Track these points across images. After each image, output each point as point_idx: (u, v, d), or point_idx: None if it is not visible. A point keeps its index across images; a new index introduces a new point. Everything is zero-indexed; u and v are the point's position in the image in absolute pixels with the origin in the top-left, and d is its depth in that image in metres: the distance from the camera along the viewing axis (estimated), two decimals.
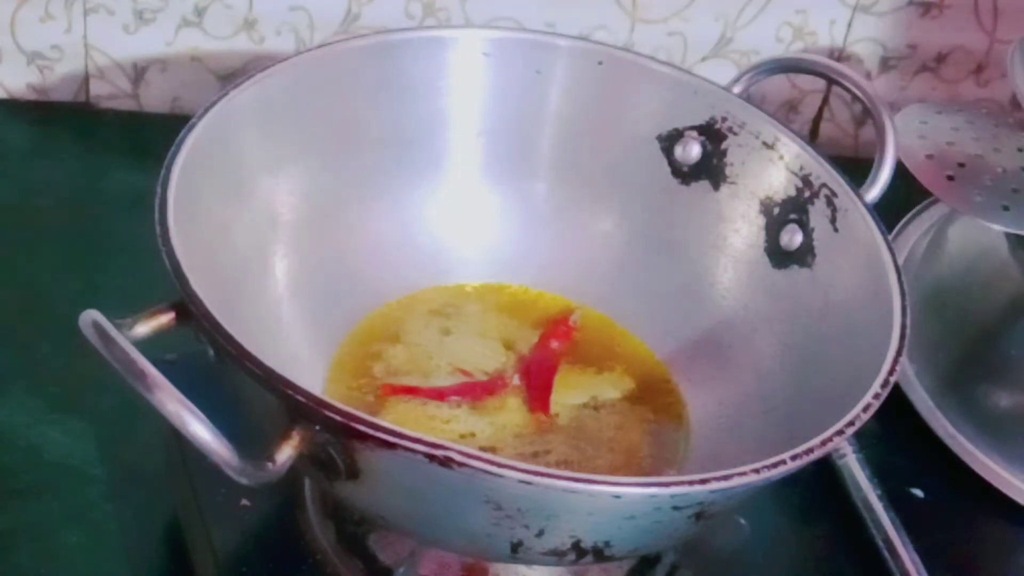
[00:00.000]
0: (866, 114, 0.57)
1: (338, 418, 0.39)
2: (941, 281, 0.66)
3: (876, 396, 0.44)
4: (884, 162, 0.56)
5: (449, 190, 0.59)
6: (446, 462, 0.39)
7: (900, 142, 0.55)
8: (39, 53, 0.74)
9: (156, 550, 0.56)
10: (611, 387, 0.56)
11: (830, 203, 0.54)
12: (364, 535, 0.51)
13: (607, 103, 0.59)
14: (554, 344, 0.57)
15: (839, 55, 0.79)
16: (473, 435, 0.53)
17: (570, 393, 0.55)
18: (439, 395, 0.54)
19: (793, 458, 0.42)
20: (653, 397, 0.56)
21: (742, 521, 0.51)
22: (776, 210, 0.56)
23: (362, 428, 0.39)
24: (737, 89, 0.58)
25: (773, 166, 0.56)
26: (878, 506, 0.58)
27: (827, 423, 0.43)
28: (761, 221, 0.56)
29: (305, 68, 0.55)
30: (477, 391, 0.54)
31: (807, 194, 0.55)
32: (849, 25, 0.79)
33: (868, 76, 0.80)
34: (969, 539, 0.60)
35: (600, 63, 0.58)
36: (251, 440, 0.40)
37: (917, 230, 0.72)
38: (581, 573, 0.51)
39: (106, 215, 0.71)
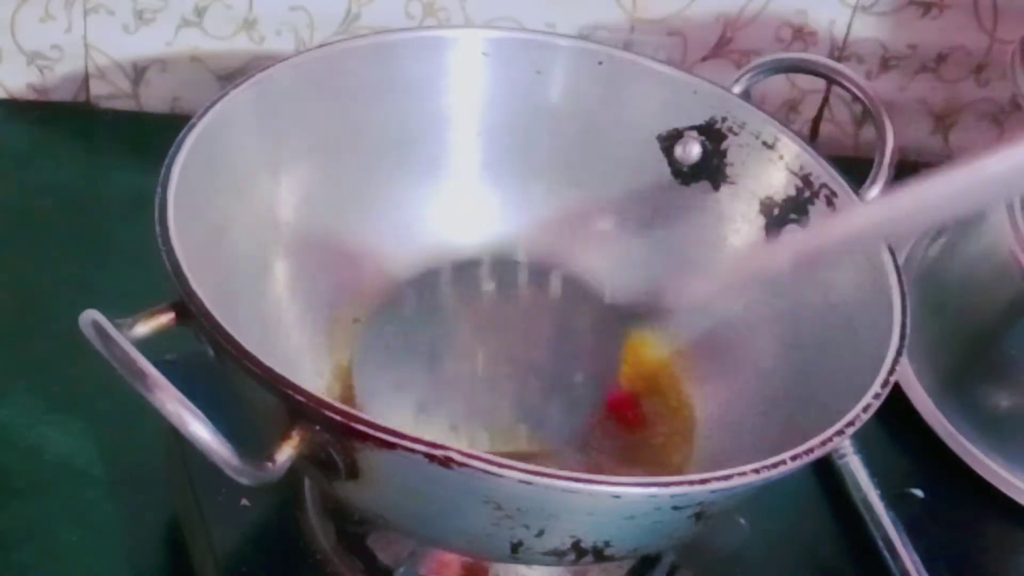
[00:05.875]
0: (866, 114, 0.57)
1: (338, 418, 0.39)
2: (941, 281, 0.65)
3: (876, 396, 0.44)
4: (884, 162, 0.56)
5: (449, 190, 0.59)
6: (446, 462, 0.39)
7: None
8: (39, 53, 0.74)
9: (156, 550, 0.56)
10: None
11: (830, 203, 0.54)
12: (364, 535, 0.51)
13: (607, 103, 0.59)
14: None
15: (839, 55, 0.79)
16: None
17: None
18: None
19: (793, 458, 0.42)
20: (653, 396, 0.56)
21: (742, 521, 0.51)
22: (776, 210, 0.56)
23: (362, 428, 0.39)
24: (737, 89, 0.58)
25: (773, 166, 0.56)
26: (878, 506, 0.58)
27: (827, 423, 0.43)
28: (761, 221, 0.56)
29: (305, 68, 0.55)
30: None
31: (807, 194, 0.55)
32: (849, 25, 0.79)
33: (868, 76, 0.80)
34: (969, 539, 0.60)
35: (600, 63, 0.58)
36: (251, 440, 0.40)
37: None
38: (581, 573, 0.51)
39: (106, 215, 0.71)
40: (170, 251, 0.44)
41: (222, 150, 0.50)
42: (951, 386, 0.64)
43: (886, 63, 0.81)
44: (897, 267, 0.50)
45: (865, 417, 0.44)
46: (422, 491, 0.42)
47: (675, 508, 0.42)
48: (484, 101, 0.58)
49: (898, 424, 0.63)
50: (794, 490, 0.58)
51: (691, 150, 0.58)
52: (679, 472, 0.52)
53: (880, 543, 0.57)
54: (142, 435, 0.56)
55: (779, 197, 0.56)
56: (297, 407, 0.40)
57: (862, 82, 0.57)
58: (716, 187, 0.58)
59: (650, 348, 0.57)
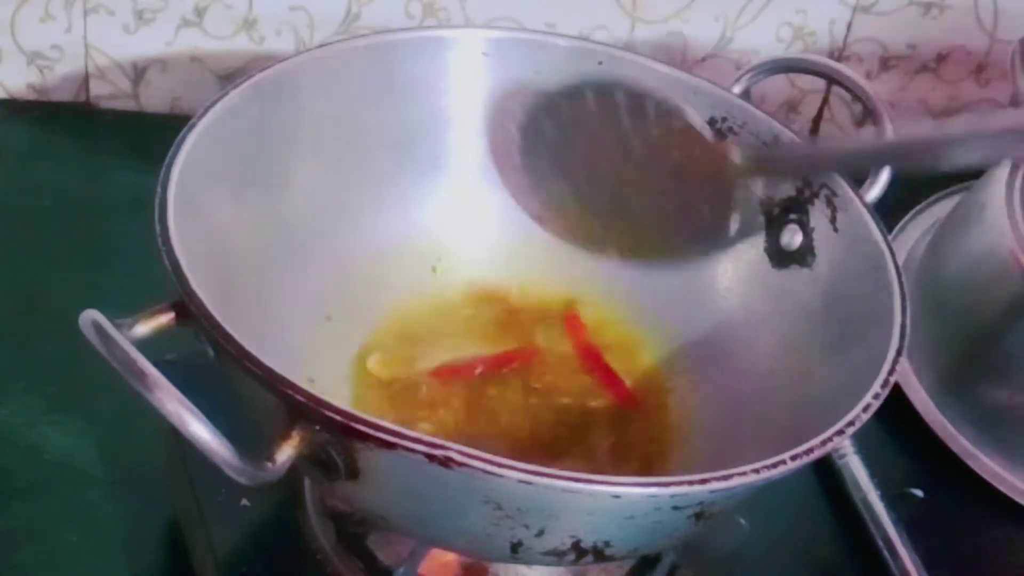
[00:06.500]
0: (866, 114, 0.57)
1: (338, 418, 0.39)
2: (941, 281, 0.65)
3: (876, 396, 0.44)
4: None
5: (449, 190, 0.59)
6: (446, 462, 0.39)
7: None
8: (39, 53, 0.74)
9: (156, 550, 0.56)
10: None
11: (830, 203, 0.54)
12: (364, 535, 0.51)
13: None
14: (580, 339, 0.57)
15: (839, 55, 0.79)
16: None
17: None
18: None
19: (793, 458, 0.42)
20: (652, 396, 0.56)
21: (742, 521, 0.51)
22: (776, 210, 0.56)
23: (362, 428, 0.39)
24: (737, 89, 0.58)
25: None
26: (878, 506, 0.58)
27: (827, 423, 0.43)
28: (761, 221, 0.56)
29: (305, 68, 0.55)
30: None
31: (807, 194, 0.55)
32: (849, 25, 0.79)
33: (868, 76, 0.80)
34: (969, 539, 0.60)
35: (600, 63, 0.58)
36: (251, 440, 0.40)
37: (917, 230, 0.72)
38: (581, 573, 0.51)
39: (106, 215, 0.71)
40: (170, 251, 0.44)
41: (222, 150, 0.50)
42: (951, 386, 0.64)
43: (886, 63, 0.81)
44: (897, 267, 0.50)
45: (865, 417, 0.44)
46: (422, 491, 0.42)
47: (675, 508, 0.42)
48: (484, 101, 0.58)
49: (898, 424, 0.63)
50: (794, 490, 0.58)
51: None
52: (678, 472, 0.53)
53: (880, 543, 0.57)
54: (142, 435, 0.56)
55: (779, 197, 0.56)
56: (297, 407, 0.40)
57: (862, 82, 0.57)
58: None
59: (649, 349, 0.57)
